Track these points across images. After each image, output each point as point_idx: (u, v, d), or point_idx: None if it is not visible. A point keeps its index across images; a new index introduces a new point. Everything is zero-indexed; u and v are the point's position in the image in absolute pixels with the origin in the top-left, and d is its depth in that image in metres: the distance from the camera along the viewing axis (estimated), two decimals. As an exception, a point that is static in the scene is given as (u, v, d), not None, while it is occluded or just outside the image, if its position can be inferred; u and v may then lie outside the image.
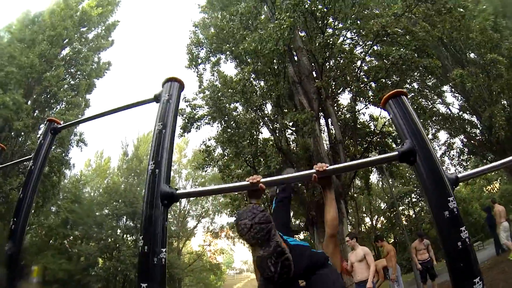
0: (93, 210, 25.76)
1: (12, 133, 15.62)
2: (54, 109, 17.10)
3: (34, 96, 16.72)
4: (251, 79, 10.92)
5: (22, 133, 15.98)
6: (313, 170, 1.68)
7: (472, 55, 14.15)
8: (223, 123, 11.12)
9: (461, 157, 15.30)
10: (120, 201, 25.51)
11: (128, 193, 25.96)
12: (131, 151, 29.87)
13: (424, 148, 1.61)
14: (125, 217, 25.81)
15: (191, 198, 29.14)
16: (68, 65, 17.32)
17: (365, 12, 11.56)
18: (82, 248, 24.06)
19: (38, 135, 16.31)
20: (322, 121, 11.67)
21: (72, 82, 17.46)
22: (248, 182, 1.72)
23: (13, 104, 14.32)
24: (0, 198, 14.87)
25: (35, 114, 16.77)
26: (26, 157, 3.41)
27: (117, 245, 24.40)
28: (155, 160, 1.86)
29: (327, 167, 1.68)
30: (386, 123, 13.00)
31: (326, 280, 1.67)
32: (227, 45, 11.49)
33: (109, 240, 24.74)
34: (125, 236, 26.02)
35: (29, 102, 16.48)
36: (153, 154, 1.91)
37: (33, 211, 19.39)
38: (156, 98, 2.20)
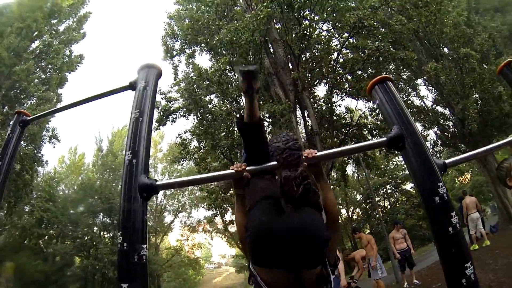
0: (68, 208, 25.17)
1: (-21, 130, 14.98)
2: (25, 104, 16.52)
3: (3, 92, 16.08)
4: (227, 70, 10.83)
5: (-10, 130, 15.34)
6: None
7: (446, 49, 14.48)
8: (198, 115, 11.04)
9: (435, 149, 15.68)
10: (96, 197, 25.06)
11: (104, 189, 25.55)
12: (106, 146, 29.30)
13: (412, 134, 1.59)
14: (101, 213, 25.34)
15: (167, 192, 28.87)
16: (39, 59, 16.74)
17: (341, 5, 11.64)
18: (57, 248, 23.57)
19: (7, 132, 15.73)
20: (299, 112, 11.70)
21: (42, 76, 16.89)
22: (233, 171, 1.66)
23: (-21, 100, 13.74)
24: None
25: (5, 110, 16.16)
26: None
27: (94, 243, 24.03)
28: (132, 150, 1.69)
29: (316, 153, 1.63)
30: (362, 115, 13.20)
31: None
32: (202, 36, 11.35)
33: (86, 238, 24.33)
34: (102, 233, 25.54)
35: (-3, 97, 15.86)
36: (130, 143, 1.73)
37: (5, 211, 18.80)
38: (132, 86, 2.05)
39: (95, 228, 25.21)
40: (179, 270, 29.17)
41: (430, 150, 13.97)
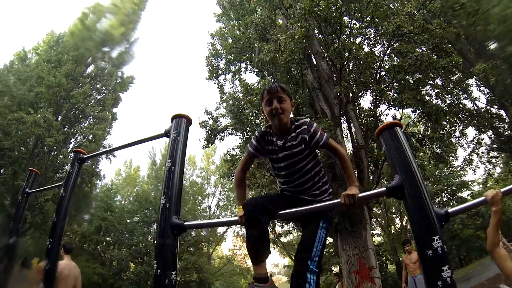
0: (124, 218, 26.72)
1: (45, 148, 16.40)
2: (83, 124, 17.87)
3: (64, 112, 17.51)
4: (273, 87, 10.89)
5: (54, 148, 16.74)
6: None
7: (493, 46, 13.52)
8: (245, 134, 11.24)
9: (490, 154, 14.71)
10: (150, 208, 26.27)
11: (158, 200, 26.13)
12: (159, 160, 30.54)
13: (413, 185, 1.64)
14: (155, 223, 26.08)
15: (220, 204, 29.94)
16: (94, 82, 18.02)
17: (381, 10, 11.32)
18: (114, 254, 25.09)
19: (69, 149, 17.05)
20: (345, 125, 11.51)
21: (98, 97, 18.16)
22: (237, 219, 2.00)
23: (44, 122, 15.07)
24: (36, 210, 15.62)
25: (65, 129, 17.57)
26: (57, 184, 3.73)
27: (148, 250, 25.06)
28: (166, 195, 2.10)
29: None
30: (409, 124, 12.70)
31: None
32: (246, 55, 11.58)
33: (140, 245, 25.53)
34: (155, 241, 26.41)
35: (59, 118, 17.29)
36: (164, 189, 2.15)
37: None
38: (166, 133, 2.42)
39: (149, 237, 26.30)
40: (231, 279, 29.50)
41: (486, 156, 13.15)
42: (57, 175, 16.92)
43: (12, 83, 15.83)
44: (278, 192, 2.28)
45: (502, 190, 1.84)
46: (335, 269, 16.81)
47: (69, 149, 17.28)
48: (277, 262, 46.06)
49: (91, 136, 17.02)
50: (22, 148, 16.49)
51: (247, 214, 1.94)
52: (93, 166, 18.03)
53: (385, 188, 1.73)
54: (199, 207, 30.61)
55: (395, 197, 1.68)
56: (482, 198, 1.86)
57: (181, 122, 2.34)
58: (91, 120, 17.68)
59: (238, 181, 2.26)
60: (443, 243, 1.52)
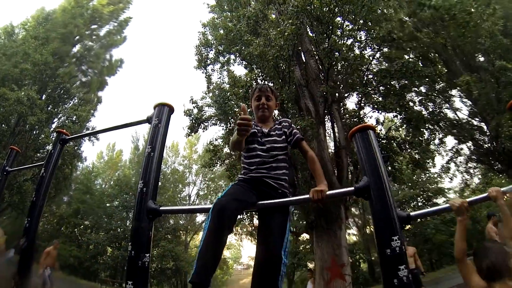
0: (104, 201, 26.53)
1: (27, 127, 16.09)
2: (67, 104, 17.57)
3: (49, 91, 17.17)
4: (259, 81, 10.96)
5: (36, 127, 16.43)
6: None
7: (481, 58, 13.78)
8: (228, 125, 11.26)
9: (469, 164, 15.04)
10: (130, 194, 26.06)
11: None
12: (142, 145, 30.29)
13: (378, 187, 1.72)
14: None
15: (201, 193, 30.02)
16: (79, 62, 17.68)
17: (374, 15, 11.41)
18: (92, 237, 25.02)
19: (51, 129, 16.76)
20: (329, 124, 11.64)
21: (83, 79, 17.84)
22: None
23: (27, 100, 14.75)
24: (15, 189, 15.34)
25: (49, 108, 17.25)
26: (38, 163, 3.72)
27: (126, 235, 24.81)
28: (143, 180, 2.14)
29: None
30: (391, 128, 12.90)
31: None
32: (236, 47, 11.55)
33: (119, 230, 25.39)
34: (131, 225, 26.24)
35: (43, 97, 16.95)
36: (142, 174, 2.19)
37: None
38: (149, 120, 2.46)
39: (128, 222, 26.12)
40: (207, 268, 29.41)
41: (464, 166, 13.42)
42: (38, 154, 16.62)
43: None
44: (240, 182, 2.29)
45: (468, 200, 1.91)
46: (311, 265, 17.06)
47: (52, 129, 16.98)
48: (253, 255, 46.44)
49: (74, 117, 16.72)
50: (3, 125, 16.10)
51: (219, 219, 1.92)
52: (75, 148, 17.78)
53: (353, 188, 1.81)
54: (179, 195, 30.45)
55: (362, 197, 1.76)
56: (446, 205, 1.94)
57: (163, 110, 2.39)
58: (76, 101, 17.40)
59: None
60: (402, 243, 1.58)
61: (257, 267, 1.99)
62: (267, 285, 1.90)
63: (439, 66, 10.49)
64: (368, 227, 24.18)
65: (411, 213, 1.73)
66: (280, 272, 1.90)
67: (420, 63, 10.61)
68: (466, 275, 2.07)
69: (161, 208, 2.07)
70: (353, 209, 19.55)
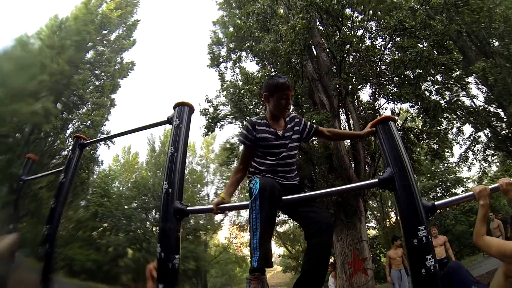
0: (122, 204, 26.41)
1: (42, 134, 16.23)
2: (81, 110, 17.75)
3: (64, 100, 17.35)
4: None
5: (51, 134, 16.57)
6: None
7: (496, 43, 13.46)
8: (244, 122, 11.22)
9: (486, 152, 14.73)
10: (149, 195, 26.09)
11: (157, 187, 26.14)
12: (158, 147, 30.37)
13: (403, 177, 1.71)
14: (154, 210, 26.15)
15: (219, 192, 29.72)
16: (93, 67, 17.85)
17: (384, 4, 11.25)
18: (111, 239, 24.63)
19: (67, 135, 16.95)
20: (344, 117, 11.51)
21: (97, 84, 18.01)
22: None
23: (43, 110, 14.87)
24: (30, 197, 15.43)
25: (63, 115, 17.43)
26: (57, 169, 3.75)
27: (147, 237, 24.88)
28: (168, 181, 2.14)
29: None
30: (407, 118, 12.70)
31: None
32: (247, 43, 11.54)
33: (139, 231, 25.28)
34: (154, 228, 26.14)
35: (58, 105, 17.14)
36: (166, 175, 2.18)
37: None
38: (169, 121, 2.45)
39: (148, 223, 26.22)
40: (226, 267, 29.63)
41: (481, 154, 13.18)
42: (54, 160, 16.75)
43: (8, 72, 15.34)
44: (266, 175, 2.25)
45: (490, 187, 1.94)
46: (331, 260, 16.97)
47: (67, 135, 17.14)
48: (272, 252, 46.36)
49: (89, 122, 16.90)
50: (18, 134, 16.22)
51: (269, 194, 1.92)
52: (91, 152, 17.94)
53: (377, 180, 1.81)
54: (198, 195, 30.46)
55: (386, 188, 1.75)
56: (470, 192, 1.94)
57: (184, 110, 2.39)
58: (89, 106, 17.57)
59: (237, 178, 2.36)
60: (428, 233, 1.57)
61: (315, 233, 2.01)
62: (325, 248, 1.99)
63: (455, 54, 10.21)
64: (388, 220, 23.86)
65: (436, 203, 1.73)
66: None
67: (435, 51, 10.38)
68: (487, 246, 2.16)
69: (188, 208, 2.09)
70: (370, 202, 19.34)
